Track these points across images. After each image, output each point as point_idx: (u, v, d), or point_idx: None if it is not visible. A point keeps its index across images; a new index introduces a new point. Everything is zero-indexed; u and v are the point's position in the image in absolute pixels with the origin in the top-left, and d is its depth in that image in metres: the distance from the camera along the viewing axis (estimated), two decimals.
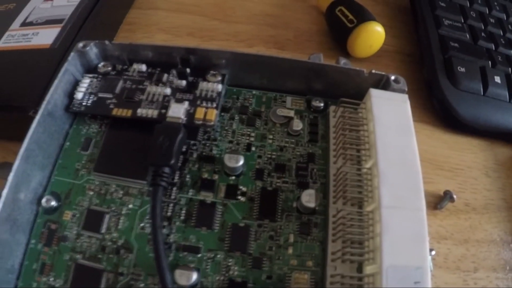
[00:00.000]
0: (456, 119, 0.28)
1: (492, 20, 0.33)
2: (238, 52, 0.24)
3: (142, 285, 0.19)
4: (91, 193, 0.22)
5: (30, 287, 0.20)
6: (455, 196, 0.26)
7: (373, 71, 0.24)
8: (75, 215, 0.21)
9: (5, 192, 0.20)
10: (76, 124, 0.24)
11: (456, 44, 0.30)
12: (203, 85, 0.24)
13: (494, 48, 0.31)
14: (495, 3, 0.33)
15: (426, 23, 0.30)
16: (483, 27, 0.32)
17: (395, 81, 0.23)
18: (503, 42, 0.32)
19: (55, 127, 0.23)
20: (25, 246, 0.21)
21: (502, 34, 0.32)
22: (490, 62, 0.30)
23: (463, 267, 0.26)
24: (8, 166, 0.21)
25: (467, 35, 0.31)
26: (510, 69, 0.30)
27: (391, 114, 0.21)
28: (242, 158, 0.21)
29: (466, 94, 0.28)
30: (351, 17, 0.29)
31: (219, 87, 0.24)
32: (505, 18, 0.34)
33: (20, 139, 0.21)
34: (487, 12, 0.33)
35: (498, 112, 0.29)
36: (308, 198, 0.20)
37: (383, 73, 0.24)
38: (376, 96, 0.22)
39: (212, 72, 0.24)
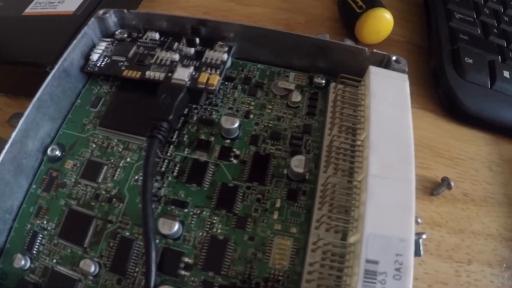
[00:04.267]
0: (461, 109, 0.25)
1: (506, 18, 0.29)
2: (246, 25, 0.22)
3: (127, 233, 0.18)
4: (94, 145, 0.21)
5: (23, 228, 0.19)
6: (452, 184, 0.23)
7: (375, 50, 0.21)
8: (76, 165, 0.20)
9: (13, 134, 0.19)
10: (89, 84, 0.23)
11: (465, 37, 0.27)
12: (209, 53, 0.22)
13: (505, 45, 0.28)
14: (511, 2, 0.30)
15: (437, 15, 0.28)
16: (496, 24, 0.29)
17: (396, 61, 0.21)
18: None
19: (69, 84, 0.22)
20: (26, 190, 0.20)
21: None
22: (500, 57, 0.27)
23: (456, 257, 0.22)
24: (20, 116, 0.20)
25: (478, 30, 0.28)
26: None
27: (388, 90, 0.19)
28: (237, 120, 0.20)
29: (472, 85, 0.25)
30: (360, 3, 0.26)
31: (224, 56, 0.22)
32: None
33: None
34: (502, 10, 0.30)
35: (505, 107, 0.26)
36: (297, 163, 0.18)
37: (385, 53, 0.21)
38: (375, 72, 0.20)
39: (220, 43, 0.23)
